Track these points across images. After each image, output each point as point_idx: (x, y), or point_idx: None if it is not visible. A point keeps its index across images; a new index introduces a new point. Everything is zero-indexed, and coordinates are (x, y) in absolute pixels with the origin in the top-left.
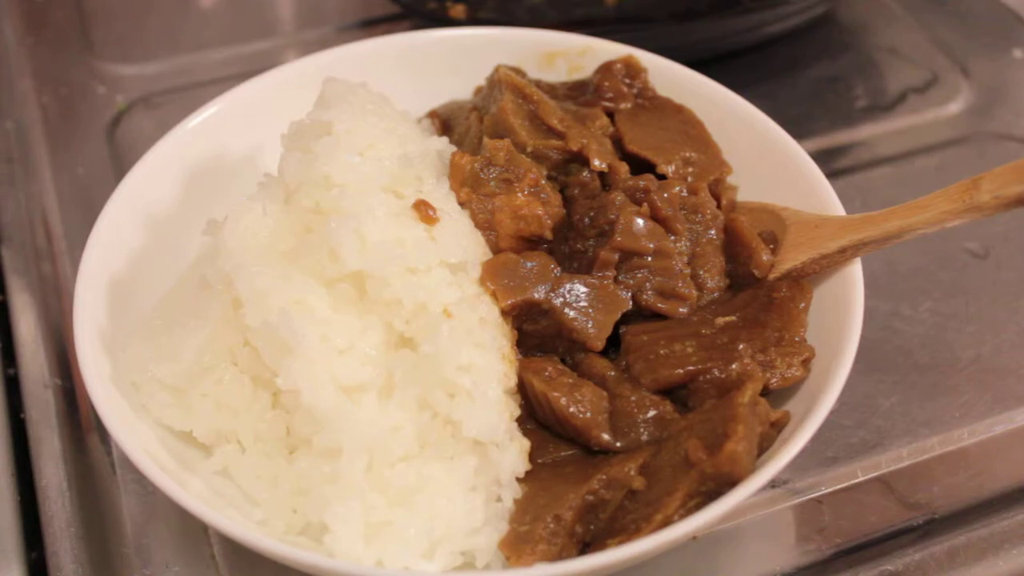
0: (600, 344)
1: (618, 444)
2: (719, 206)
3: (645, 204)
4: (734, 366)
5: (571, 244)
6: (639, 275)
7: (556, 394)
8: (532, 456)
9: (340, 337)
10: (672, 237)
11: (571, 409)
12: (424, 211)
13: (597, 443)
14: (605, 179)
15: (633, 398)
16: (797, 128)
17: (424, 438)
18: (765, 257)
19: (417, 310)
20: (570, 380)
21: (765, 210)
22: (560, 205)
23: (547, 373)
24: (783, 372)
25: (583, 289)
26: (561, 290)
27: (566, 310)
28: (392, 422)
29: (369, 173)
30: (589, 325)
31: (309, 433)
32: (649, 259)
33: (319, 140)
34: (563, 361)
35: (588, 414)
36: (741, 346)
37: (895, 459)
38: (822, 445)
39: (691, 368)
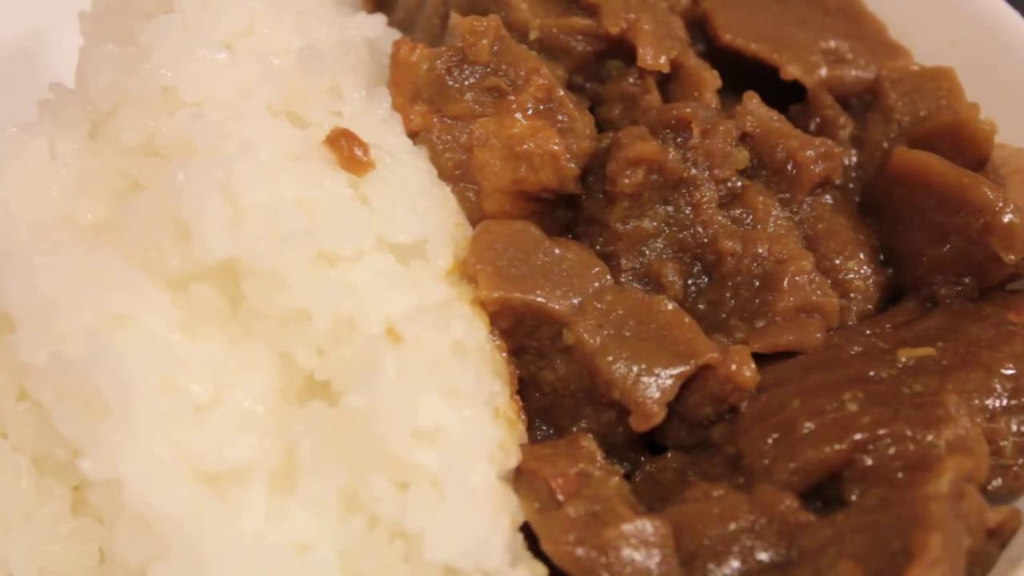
0: (658, 417)
1: None
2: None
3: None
4: (940, 436)
5: (596, 206)
6: (717, 280)
7: (583, 552)
8: None
9: (198, 382)
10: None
11: None
12: (347, 150)
13: None
14: (673, 88)
15: (715, 494)
16: None
17: (354, 565)
18: (1009, 217)
19: (338, 331)
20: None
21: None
22: (592, 135)
23: (557, 492)
24: (1016, 463)
25: (623, 311)
26: (601, 307)
27: (594, 337)
28: (295, 537)
29: (244, 82)
30: (645, 381)
31: (141, 560)
32: (731, 254)
33: (151, 21)
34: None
35: None
36: (952, 400)
37: None
38: None
39: (860, 438)
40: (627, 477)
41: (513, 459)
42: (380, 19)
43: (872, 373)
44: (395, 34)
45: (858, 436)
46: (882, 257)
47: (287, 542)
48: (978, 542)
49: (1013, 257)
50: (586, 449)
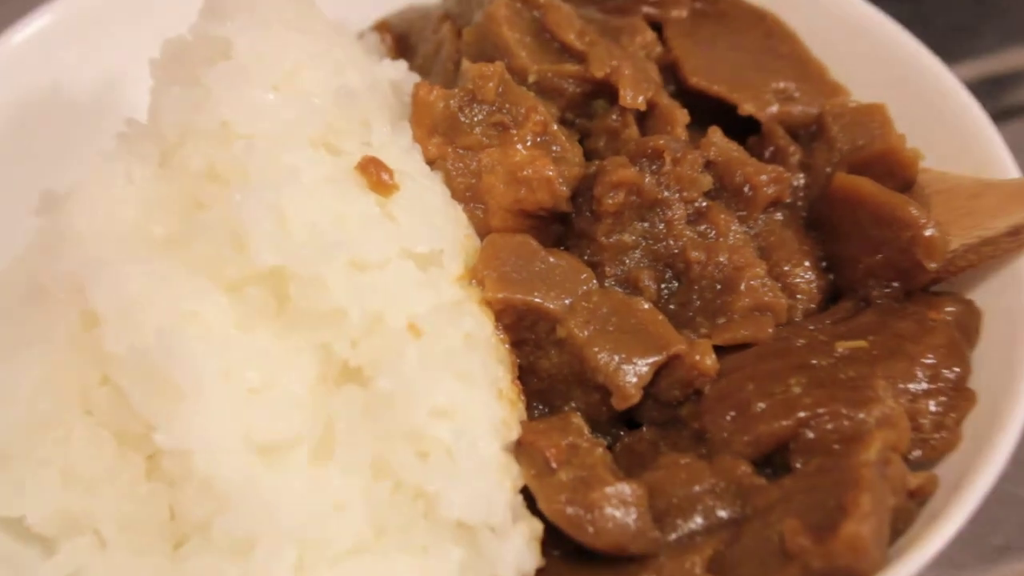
0: (635, 397)
1: (673, 537)
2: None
3: (666, 179)
4: (870, 414)
5: (583, 222)
6: (685, 284)
7: (572, 511)
8: (546, 545)
9: (251, 369)
10: (733, 226)
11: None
12: (375, 174)
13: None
14: (649, 123)
15: (682, 462)
16: (949, 46)
17: (382, 520)
18: (931, 231)
19: (368, 326)
20: (603, 474)
21: (890, 171)
22: (581, 163)
23: (551, 461)
24: (933, 437)
25: (606, 310)
26: (588, 306)
27: (583, 331)
28: (332, 497)
29: (290, 117)
30: (625, 368)
31: (205, 516)
32: (698, 261)
33: (211, 67)
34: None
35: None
36: (881, 384)
37: None
38: (987, 527)
39: (803, 415)
40: (609, 448)
41: (514, 433)
42: (402, 64)
43: (814, 361)
44: (415, 77)
45: (801, 414)
46: (824, 264)
47: (325, 502)
48: (901, 501)
49: (934, 265)
50: (575, 425)
